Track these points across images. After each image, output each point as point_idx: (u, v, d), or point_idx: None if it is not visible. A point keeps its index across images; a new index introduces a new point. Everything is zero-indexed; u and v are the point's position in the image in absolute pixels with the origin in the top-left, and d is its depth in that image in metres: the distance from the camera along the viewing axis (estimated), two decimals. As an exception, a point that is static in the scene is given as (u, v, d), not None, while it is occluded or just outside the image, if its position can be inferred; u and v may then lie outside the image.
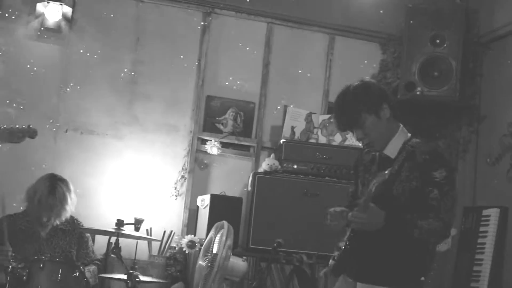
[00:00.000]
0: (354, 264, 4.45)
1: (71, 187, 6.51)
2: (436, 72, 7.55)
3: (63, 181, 6.44)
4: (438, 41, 7.57)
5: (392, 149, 4.44)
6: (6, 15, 7.52)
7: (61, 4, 7.48)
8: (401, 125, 4.54)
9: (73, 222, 6.62)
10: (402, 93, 7.61)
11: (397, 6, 7.99)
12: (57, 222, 6.45)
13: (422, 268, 4.45)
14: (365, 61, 8.30)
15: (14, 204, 6.79)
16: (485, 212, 7.01)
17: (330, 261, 4.55)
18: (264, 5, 8.09)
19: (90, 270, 6.32)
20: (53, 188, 6.33)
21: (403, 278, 4.35)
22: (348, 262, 4.46)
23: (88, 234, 6.74)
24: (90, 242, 6.75)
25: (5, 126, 3.99)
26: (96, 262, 6.64)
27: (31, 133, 4.06)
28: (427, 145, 4.46)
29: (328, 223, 4.46)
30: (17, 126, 4.03)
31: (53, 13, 7.49)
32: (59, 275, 5.85)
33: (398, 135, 4.47)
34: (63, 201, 6.39)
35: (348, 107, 4.42)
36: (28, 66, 7.55)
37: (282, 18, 8.16)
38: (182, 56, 7.98)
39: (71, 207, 6.51)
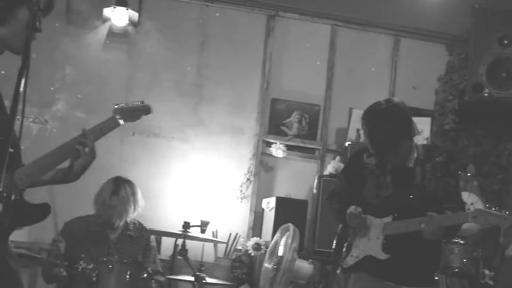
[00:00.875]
0: (397, 269, 4.40)
1: (137, 189, 6.42)
2: (504, 73, 7.37)
3: (128, 183, 6.37)
4: (506, 41, 7.40)
5: (410, 160, 4.47)
6: (75, 21, 7.63)
7: (127, 9, 7.54)
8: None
9: (141, 229, 6.51)
10: (470, 95, 7.48)
11: (462, 7, 7.82)
12: (121, 223, 6.36)
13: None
14: (431, 63, 8.20)
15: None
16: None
17: (348, 257, 4.56)
18: (328, 7, 8.02)
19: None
20: (117, 188, 6.26)
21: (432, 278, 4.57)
22: (390, 267, 4.40)
23: (155, 245, 6.63)
24: (155, 253, 6.64)
25: (121, 104, 3.92)
26: (159, 272, 6.55)
27: (146, 110, 3.96)
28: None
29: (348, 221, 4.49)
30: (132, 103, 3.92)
31: (119, 18, 7.57)
32: (128, 276, 5.77)
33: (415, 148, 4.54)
34: (125, 202, 6.31)
35: (390, 131, 4.30)
36: (96, 70, 7.63)
37: (346, 20, 8.08)
38: (246, 59, 7.96)
39: (137, 210, 6.43)
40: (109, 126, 3.98)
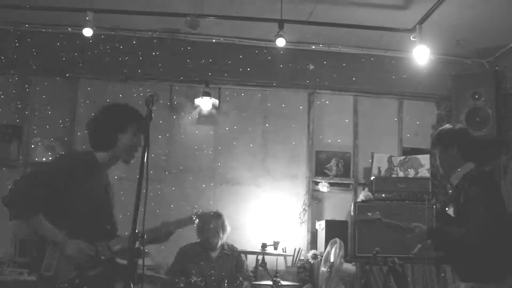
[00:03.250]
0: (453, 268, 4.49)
1: (225, 219, 6.62)
2: (478, 119, 7.49)
3: (219, 215, 6.55)
4: (476, 96, 7.54)
5: (456, 178, 4.42)
6: (176, 109, 7.83)
7: (211, 98, 7.69)
8: (469, 162, 4.43)
9: (233, 249, 6.71)
10: None
11: (445, 74, 7.94)
12: (218, 244, 6.54)
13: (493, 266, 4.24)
14: (426, 116, 8.22)
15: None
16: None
17: None
18: (350, 83, 8.06)
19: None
20: (217, 216, 6.47)
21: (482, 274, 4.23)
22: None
23: (244, 259, 6.75)
24: (246, 263, 6.78)
25: (200, 210, 4.23)
26: (250, 277, 6.68)
27: (217, 217, 3.93)
28: (474, 171, 4.40)
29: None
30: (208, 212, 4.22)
31: (206, 104, 7.72)
32: (226, 284, 6.08)
33: (463, 168, 4.40)
34: (218, 226, 6.51)
35: (433, 138, 4.60)
36: (191, 144, 7.75)
37: (364, 91, 8.15)
38: (296, 124, 8.02)
39: (226, 233, 6.60)
40: (186, 223, 4.23)
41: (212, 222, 6.48)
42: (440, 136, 4.51)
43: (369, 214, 4.66)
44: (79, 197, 3.75)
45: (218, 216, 6.54)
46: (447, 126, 4.62)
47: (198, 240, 6.67)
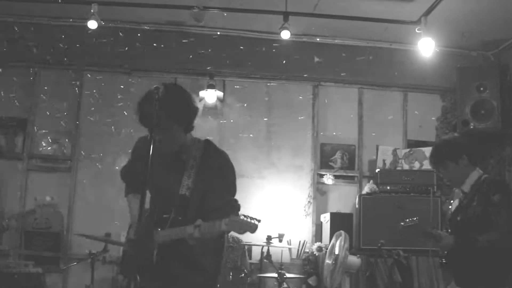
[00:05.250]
0: (454, 274, 4.37)
1: None
2: (483, 111, 7.50)
3: None
4: (481, 88, 7.55)
5: (467, 185, 4.35)
6: None
7: (215, 90, 7.73)
8: (477, 168, 4.41)
9: (238, 241, 6.79)
10: (460, 128, 7.58)
11: (450, 67, 7.91)
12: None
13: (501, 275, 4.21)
14: (431, 108, 8.24)
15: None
16: None
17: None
18: (355, 75, 8.08)
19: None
20: None
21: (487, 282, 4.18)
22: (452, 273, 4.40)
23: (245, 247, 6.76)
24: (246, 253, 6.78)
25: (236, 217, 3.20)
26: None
27: (253, 228, 3.39)
28: (490, 178, 4.41)
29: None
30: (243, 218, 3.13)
31: (211, 97, 7.74)
32: (231, 276, 6.25)
33: (473, 174, 4.36)
34: None
35: (437, 151, 4.44)
36: (196, 135, 7.66)
37: (368, 83, 8.17)
38: (301, 117, 8.04)
39: None
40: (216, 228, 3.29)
41: None
42: (446, 152, 4.40)
43: (407, 220, 4.46)
44: None
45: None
46: (447, 140, 4.55)
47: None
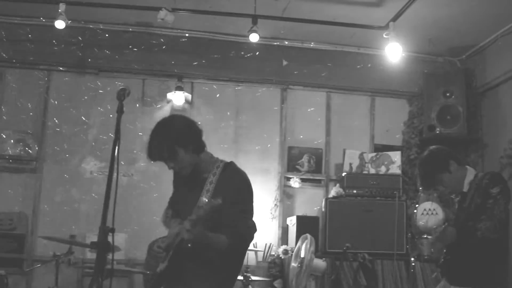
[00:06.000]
0: (450, 272, 4.37)
1: None
2: (449, 117, 7.56)
3: None
4: (448, 94, 7.60)
5: (466, 186, 4.35)
6: (147, 103, 7.75)
7: (183, 92, 7.66)
8: (468, 167, 4.44)
9: None
10: (426, 133, 7.65)
11: (417, 72, 8.00)
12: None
13: (499, 270, 4.27)
14: (398, 113, 8.27)
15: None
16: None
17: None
18: (323, 79, 8.09)
19: None
20: None
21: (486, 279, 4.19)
22: (446, 270, 4.41)
23: None
24: None
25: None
26: None
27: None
28: (491, 172, 4.42)
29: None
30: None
31: (178, 99, 7.68)
32: None
33: (468, 174, 4.37)
34: None
35: (425, 173, 4.39)
36: None
37: (336, 88, 8.17)
38: (269, 120, 8.02)
39: None
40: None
41: None
42: (433, 168, 4.37)
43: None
44: None
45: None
46: (425, 159, 4.50)
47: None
